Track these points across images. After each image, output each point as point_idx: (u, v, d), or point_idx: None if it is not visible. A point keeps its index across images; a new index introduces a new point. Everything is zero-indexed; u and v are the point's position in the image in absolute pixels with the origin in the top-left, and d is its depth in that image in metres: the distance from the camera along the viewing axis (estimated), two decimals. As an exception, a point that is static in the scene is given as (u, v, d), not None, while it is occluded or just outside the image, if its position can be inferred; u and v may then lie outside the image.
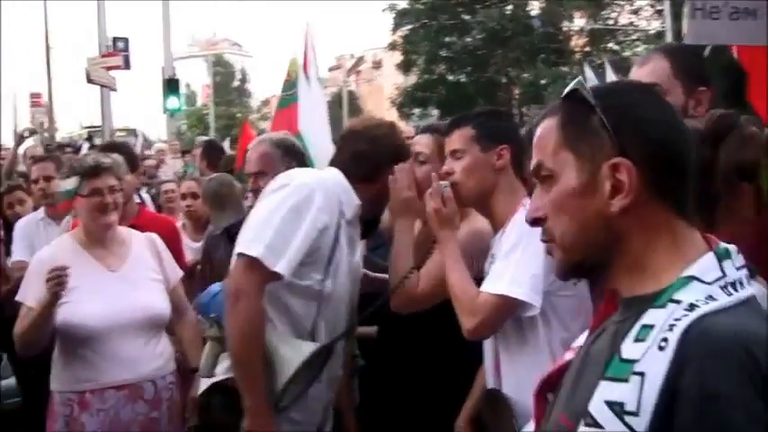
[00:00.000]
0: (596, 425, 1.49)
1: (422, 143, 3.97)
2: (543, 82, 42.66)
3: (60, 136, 41.02)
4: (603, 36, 43.87)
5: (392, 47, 47.47)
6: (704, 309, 1.47)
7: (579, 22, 44.37)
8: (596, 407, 1.51)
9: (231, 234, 4.24)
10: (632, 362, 1.48)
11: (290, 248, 3.31)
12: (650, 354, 1.47)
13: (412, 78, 48.61)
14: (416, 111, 48.22)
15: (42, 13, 43.41)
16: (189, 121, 72.96)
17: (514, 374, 3.25)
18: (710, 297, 1.50)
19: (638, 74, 3.30)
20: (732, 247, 1.60)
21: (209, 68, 76.01)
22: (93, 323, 4.03)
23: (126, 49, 23.14)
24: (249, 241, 3.36)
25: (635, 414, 1.45)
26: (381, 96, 58.15)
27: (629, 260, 1.62)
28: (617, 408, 1.47)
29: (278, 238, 3.30)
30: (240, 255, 3.34)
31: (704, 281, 1.53)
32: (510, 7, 43.70)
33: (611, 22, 43.86)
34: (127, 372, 4.06)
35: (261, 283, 3.33)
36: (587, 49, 45.06)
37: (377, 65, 69.25)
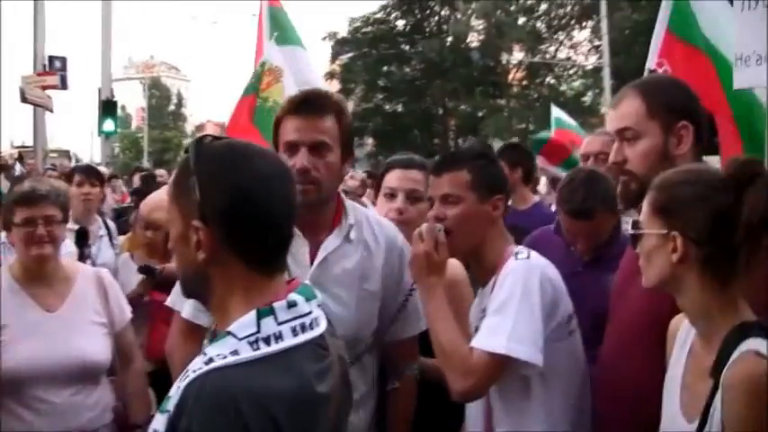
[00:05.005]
0: None
1: (416, 179, 3.89)
2: (480, 114, 42.93)
3: (-12, 155, 39.99)
4: (540, 70, 44.29)
5: (330, 76, 47.27)
6: (217, 363, 1.78)
7: (518, 55, 44.73)
8: None
9: None
10: (169, 398, 1.81)
11: None
12: (173, 395, 1.80)
13: (349, 107, 48.45)
14: (352, 139, 48.18)
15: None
16: (122, 144, 72.24)
17: (509, 425, 3.06)
18: (235, 352, 1.80)
19: (612, 115, 3.07)
20: (279, 304, 1.87)
21: (145, 91, 75.47)
22: (18, 369, 3.67)
23: (63, 68, 22.55)
24: None
25: None
26: (318, 124, 58.01)
27: (217, 301, 1.95)
28: None
29: None
30: None
31: (236, 336, 1.82)
32: (450, 39, 43.91)
33: (548, 56, 44.28)
34: (52, 424, 3.68)
35: None
36: (525, 82, 45.48)
37: (314, 93, 69.17)
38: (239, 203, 1.87)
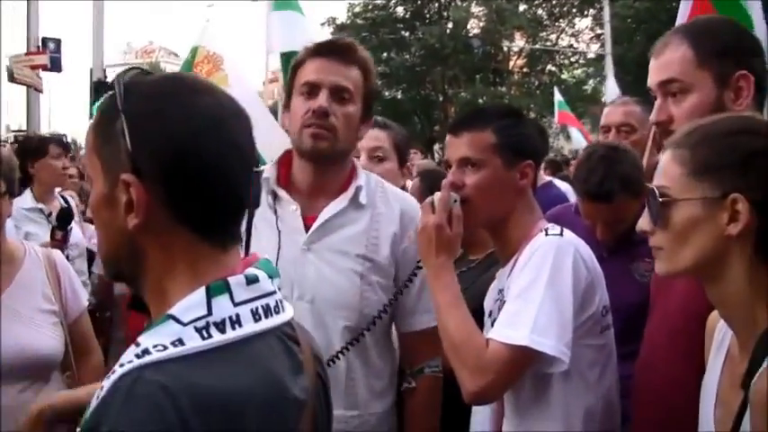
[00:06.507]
0: None
1: (379, 138, 3.71)
2: (480, 101, 42.74)
3: (-18, 139, 39.96)
4: (541, 57, 44.05)
5: (330, 61, 47.29)
6: (155, 356, 1.35)
7: (519, 42, 44.48)
8: None
9: None
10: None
11: None
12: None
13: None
14: (352, 126, 48.26)
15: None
16: (122, 129, 72.69)
17: (519, 427, 2.65)
18: (179, 341, 1.37)
19: (654, 65, 2.56)
20: (236, 279, 1.46)
21: (143, 77, 75.90)
22: None
23: (57, 50, 22.22)
24: None
25: None
26: (317, 111, 58.41)
27: (153, 280, 1.50)
28: None
29: None
30: None
31: (180, 320, 1.40)
32: (450, 25, 43.61)
33: (549, 43, 44.00)
34: None
35: None
36: (526, 70, 45.22)
37: (313, 79, 69.60)
38: (185, 150, 1.44)
